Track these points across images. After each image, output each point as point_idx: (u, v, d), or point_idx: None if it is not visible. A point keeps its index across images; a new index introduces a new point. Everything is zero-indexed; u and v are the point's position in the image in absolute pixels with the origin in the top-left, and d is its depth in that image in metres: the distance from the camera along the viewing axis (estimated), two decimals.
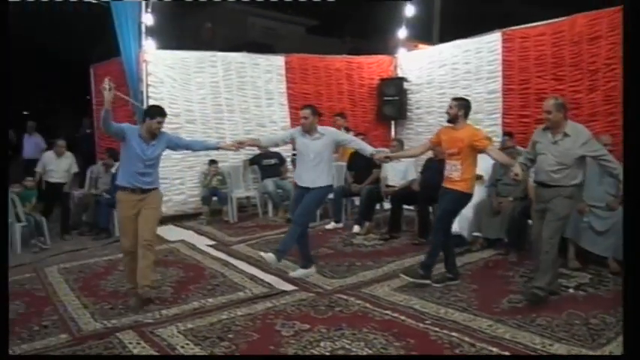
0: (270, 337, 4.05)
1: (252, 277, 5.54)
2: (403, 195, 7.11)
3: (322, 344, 3.89)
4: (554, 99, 4.56)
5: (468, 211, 6.25)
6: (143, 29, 7.99)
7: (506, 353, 3.66)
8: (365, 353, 3.75)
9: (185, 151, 6.02)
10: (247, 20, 27.10)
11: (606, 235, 5.28)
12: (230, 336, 4.07)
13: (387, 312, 4.44)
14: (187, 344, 3.95)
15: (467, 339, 3.87)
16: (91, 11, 8.22)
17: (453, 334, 3.96)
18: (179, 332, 4.15)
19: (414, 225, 7.04)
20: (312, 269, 5.59)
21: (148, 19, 7.94)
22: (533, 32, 7.69)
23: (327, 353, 3.78)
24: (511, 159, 4.96)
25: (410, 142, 9.19)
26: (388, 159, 5.74)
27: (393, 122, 10.25)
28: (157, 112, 4.84)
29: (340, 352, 3.78)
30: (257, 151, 8.23)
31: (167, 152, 6.82)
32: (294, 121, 9.06)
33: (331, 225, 7.63)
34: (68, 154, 8.34)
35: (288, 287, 5.20)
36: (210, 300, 4.90)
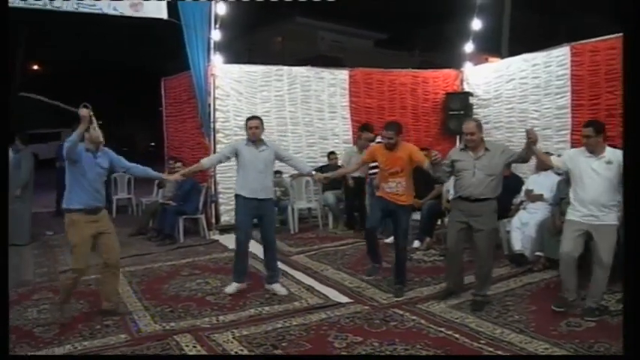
0: (322, 347, 4.09)
1: (309, 288, 5.61)
2: None
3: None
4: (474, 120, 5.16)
5: (530, 230, 6.10)
6: (212, 44, 8.27)
7: None
8: None
9: None
10: (317, 34, 27.51)
11: None
12: (284, 344, 4.14)
13: (441, 329, 4.39)
14: (241, 350, 4.06)
15: None
16: (164, 28, 8.58)
17: (508, 355, 3.87)
18: (234, 338, 4.27)
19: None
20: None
21: (216, 34, 8.23)
22: (604, 45, 7.41)
23: None
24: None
25: None
26: (327, 179, 6.08)
27: (458, 137, 10.12)
28: None
29: None
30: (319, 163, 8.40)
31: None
32: (357, 134, 9.10)
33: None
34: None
35: (344, 299, 5.23)
36: (266, 308, 5.00)
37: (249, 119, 5.57)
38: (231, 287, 5.48)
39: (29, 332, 4.48)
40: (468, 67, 10.11)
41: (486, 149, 4.91)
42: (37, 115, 19.13)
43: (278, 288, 5.49)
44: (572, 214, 4.76)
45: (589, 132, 4.60)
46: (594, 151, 4.60)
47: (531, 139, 4.66)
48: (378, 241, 5.70)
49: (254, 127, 5.41)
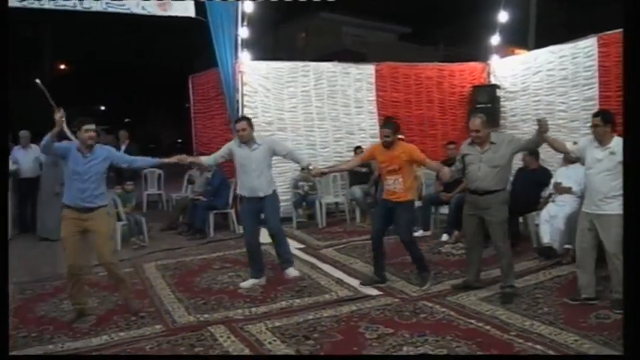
0: (354, 338, 4.16)
1: (338, 281, 5.68)
2: None
3: (405, 349, 3.95)
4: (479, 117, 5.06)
5: (559, 223, 6.08)
6: (239, 42, 8.37)
7: None
8: None
9: (276, 157, 6.12)
10: (341, 29, 27.45)
11: None
12: (315, 335, 4.22)
13: (471, 321, 4.42)
14: (274, 340, 4.15)
15: (551, 352, 3.80)
16: (190, 26, 8.70)
17: (538, 346, 3.89)
18: (267, 329, 4.36)
19: None
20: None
21: (243, 32, 8.32)
22: None
23: None
24: (440, 165, 5.57)
25: None
26: (324, 174, 6.11)
27: None
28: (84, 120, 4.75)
29: None
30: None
31: None
32: None
33: (419, 233, 7.60)
34: (33, 146, 8.33)
35: (374, 292, 5.28)
36: (297, 300, 5.09)
37: (236, 121, 5.69)
38: (247, 282, 5.61)
39: (66, 324, 4.63)
40: (494, 60, 10.04)
41: (492, 142, 4.98)
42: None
43: (289, 271, 5.70)
44: (583, 206, 4.84)
45: (597, 121, 4.65)
46: (602, 140, 4.63)
47: (542, 129, 4.72)
48: (383, 252, 5.65)
49: (241, 130, 5.49)
